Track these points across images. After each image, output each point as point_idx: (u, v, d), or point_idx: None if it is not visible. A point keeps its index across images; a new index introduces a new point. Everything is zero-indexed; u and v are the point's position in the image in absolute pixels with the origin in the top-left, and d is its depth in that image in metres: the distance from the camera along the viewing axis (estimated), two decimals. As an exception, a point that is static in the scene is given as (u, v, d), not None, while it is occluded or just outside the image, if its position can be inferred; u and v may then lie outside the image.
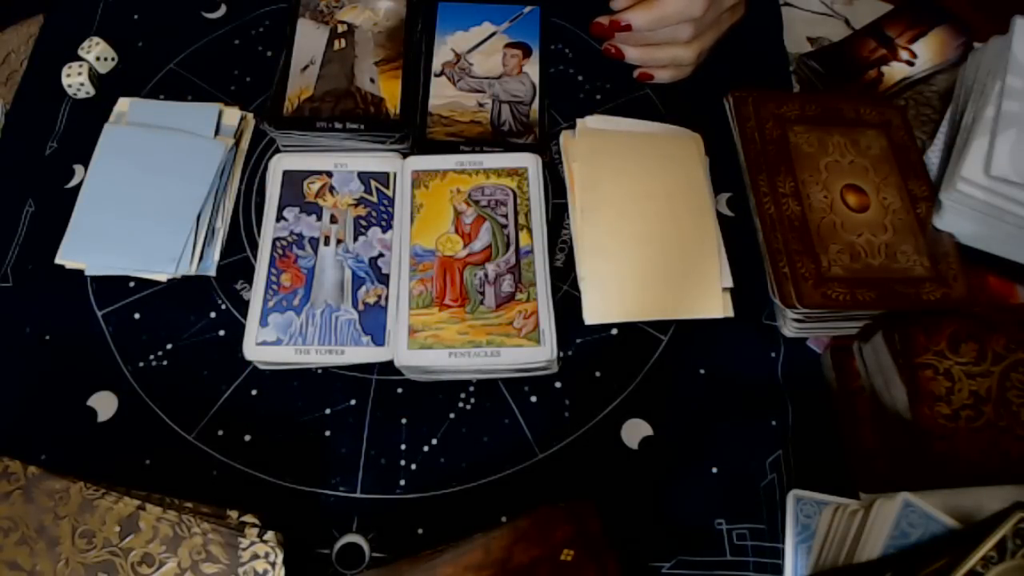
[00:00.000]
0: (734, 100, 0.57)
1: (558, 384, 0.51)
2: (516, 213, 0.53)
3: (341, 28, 0.59)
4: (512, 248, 0.51)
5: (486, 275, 0.50)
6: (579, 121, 0.58)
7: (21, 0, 0.66)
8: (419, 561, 0.42)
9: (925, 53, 0.62)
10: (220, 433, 0.49)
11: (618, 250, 0.53)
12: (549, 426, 0.50)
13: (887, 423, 0.46)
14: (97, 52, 0.62)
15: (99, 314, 0.53)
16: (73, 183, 0.57)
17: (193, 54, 0.64)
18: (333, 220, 0.54)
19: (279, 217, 0.53)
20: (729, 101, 0.58)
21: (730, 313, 0.52)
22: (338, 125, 0.55)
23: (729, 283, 0.52)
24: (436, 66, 0.60)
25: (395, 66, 0.58)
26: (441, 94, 0.58)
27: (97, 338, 0.52)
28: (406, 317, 0.49)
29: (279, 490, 0.48)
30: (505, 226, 0.52)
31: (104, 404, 0.50)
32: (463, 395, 0.50)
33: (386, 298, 0.51)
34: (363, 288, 0.51)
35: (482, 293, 0.50)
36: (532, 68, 0.59)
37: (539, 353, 0.48)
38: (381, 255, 0.52)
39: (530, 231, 0.52)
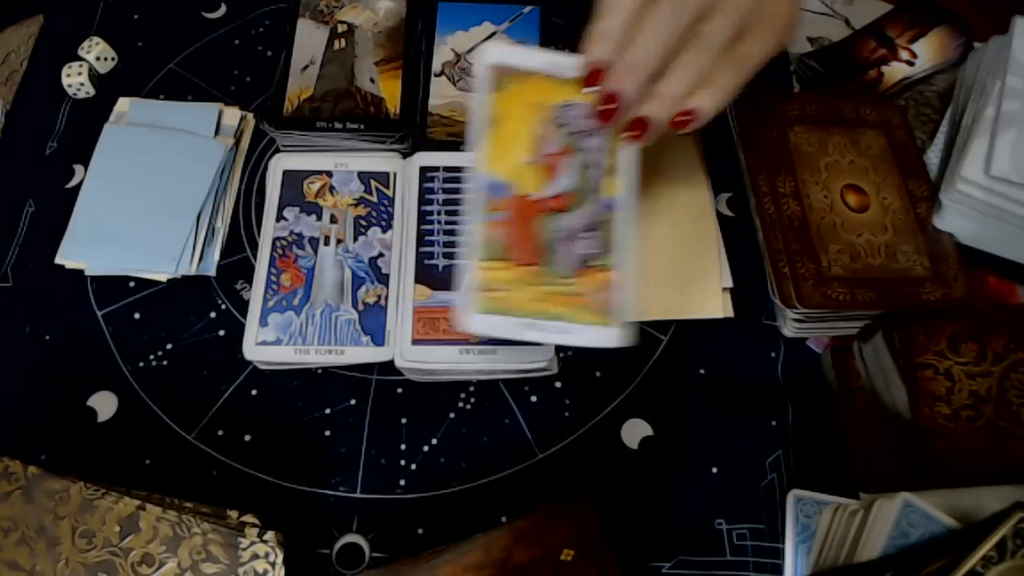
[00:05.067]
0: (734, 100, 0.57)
1: (558, 384, 0.51)
2: (605, 151, 0.42)
3: (341, 28, 0.59)
4: (598, 196, 0.42)
5: (565, 228, 0.41)
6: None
7: (21, 0, 0.66)
8: (419, 561, 0.42)
9: (925, 53, 0.62)
10: (220, 433, 0.49)
11: (618, 250, 0.52)
12: (549, 426, 0.50)
13: (887, 423, 0.46)
14: (97, 52, 0.62)
15: (99, 314, 0.53)
16: (73, 183, 0.57)
17: (193, 54, 0.64)
18: (333, 220, 0.54)
19: (279, 217, 0.53)
20: (729, 101, 0.58)
21: (730, 313, 0.52)
22: (338, 125, 0.55)
23: (729, 283, 0.52)
24: (436, 66, 0.60)
25: (395, 66, 0.58)
26: (441, 94, 0.58)
27: (97, 338, 0.52)
28: (473, 269, 0.40)
29: (279, 490, 0.48)
30: (593, 165, 0.42)
31: (104, 404, 0.50)
32: (463, 395, 0.50)
33: (386, 298, 0.51)
34: (363, 288, 0.51)
35: (558, 251, 0.41)
36: (532, 68, 0.59)
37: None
38: (381, 255, 0.52)
39: (619, 178, 0.42)
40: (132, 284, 0.54)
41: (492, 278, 0.40)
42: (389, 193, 0.54)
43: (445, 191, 0.54)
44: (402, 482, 0.48)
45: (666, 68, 0.41)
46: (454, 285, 0.48)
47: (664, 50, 0.40)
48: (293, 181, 0.55)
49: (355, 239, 0.53)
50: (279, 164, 0.56)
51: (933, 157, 0.57)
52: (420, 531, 0.47)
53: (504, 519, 0.47)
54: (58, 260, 0.53)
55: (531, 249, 0.40)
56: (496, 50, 0.43)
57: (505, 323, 0.40)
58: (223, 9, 0.66)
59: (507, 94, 0.42)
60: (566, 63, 0.42)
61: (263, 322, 0.50)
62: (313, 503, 0.48)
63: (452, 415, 0.50)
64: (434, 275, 0.51)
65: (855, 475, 0.47)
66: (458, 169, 0.54)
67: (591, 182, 0.42)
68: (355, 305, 0.51)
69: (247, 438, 0.49)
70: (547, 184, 0.41)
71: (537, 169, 0.41)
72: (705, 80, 0.41)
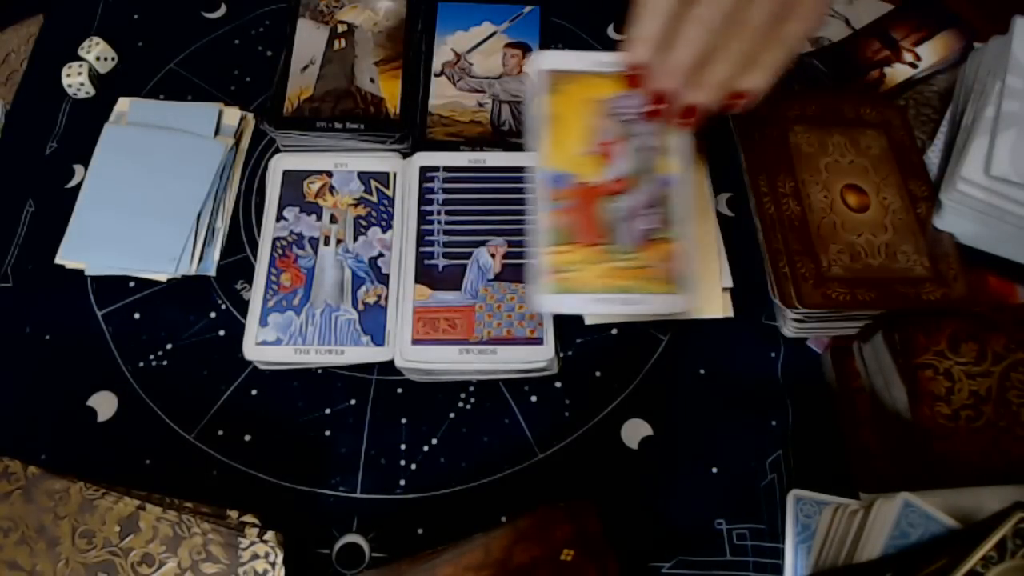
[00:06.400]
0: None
1: (558, 384, 0.51)
2: (657, 133, 0.46)
3: (341, 28, 0.59)
4: (654, 175, 0.45)
5: (625, 208, 0.44)
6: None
7: (21, 0, 0.66)
8: (419, 561, 0.42)
9: (930, 56, 0.62)
10: (220, 433, 0.49)
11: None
12: (549, 426, 0.50)
13: (887, 423, 0.46)
14: (97, 52, 0.62)
15: (99, 314, 0.53)
16: (73, 183, 0.57)
17: (193, 54, 0.64)
18: (333, 220, 0.54)
19: (279, 217, 0.53)
20: (729, 101, 0.58)
21: (730, 313, 0.52)
22: (338, 125, 0.55)
23: (729, 283, 0.52)
24: (436, 66, 0.60)
25: (395, 66, 0.58)
26: (441, 94, 0.59)
27: (97, 338, 0.52)
28: (541, 255, 0.43)
29: (279, 490, 0.48)
30: (647, 148, 0.46)
31: (104, 404, 0.50)
32: (463, 395, 0.50)
33: (386, 298, 0.51)
34: (363, 288, 0.51)
35: (621, 229, 0.44)
36: (532, 68, 0.59)
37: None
38: (381, 255, 0.52)
39: (675, 157, 0.46)
40: (132, 284, 0.54)
41: (560, 261, 0.43)
42: (389, 193, 0.54)
43: (445, 191, 0.54)
44: (402, 482, 0.48)
45: (710, 57, 0.43)
46: (462, 285, 0.49)
47: (702, 49, 0.42)
48: (293, 181, 0.55)
49: (355, 239, 0.53)
50: (279, 164, 0.56)
51: (933, 157, 0.57)
52: (420, 531, 0.47)
53: (504, 519, 0.47)
54: (58, 260, 0.53)
55: (595, 230, 0.43)
56: (547, 56, 0.47)
57: (574, 300, 0.43)
58: (223, 9, 0.66)
59: (562, 95, 0.46)
60: (612, 60, 0.46)
61: (263, 322, 0.50)
62: (313, 503, 0.48)
63: (452, 415, 0.50)
64: (434, 275, 0.51)
65: (855, 475, 0.47)
66: (458, 169, 0.54)
67: (647, 163, 0.45)
68: (355, 305, 0.51)
69: (247, 438, 0.49)
70: (606, 170, 0.44)
71: (595, 158, 0.45)
72: (751, 61, 0.43)
